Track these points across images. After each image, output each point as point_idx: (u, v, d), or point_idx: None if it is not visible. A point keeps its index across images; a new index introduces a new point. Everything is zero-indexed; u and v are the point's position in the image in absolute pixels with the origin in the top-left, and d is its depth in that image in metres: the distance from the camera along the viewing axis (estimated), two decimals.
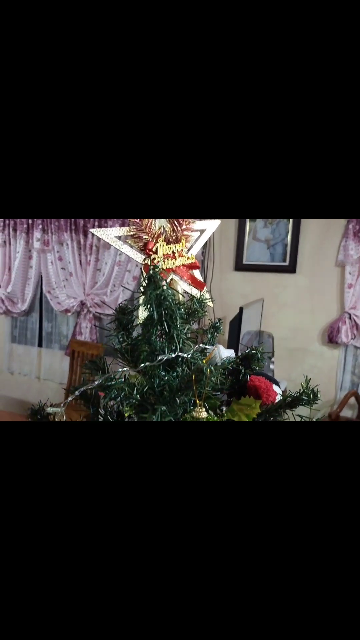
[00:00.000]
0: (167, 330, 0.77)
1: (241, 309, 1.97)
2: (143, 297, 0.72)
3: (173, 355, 0.81)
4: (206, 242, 3.12)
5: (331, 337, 2.94)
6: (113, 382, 0.74)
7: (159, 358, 0.79)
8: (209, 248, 3.18)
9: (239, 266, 3.15)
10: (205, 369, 0.67)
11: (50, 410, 0.76)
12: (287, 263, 3.03)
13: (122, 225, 1.22)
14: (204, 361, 0.69)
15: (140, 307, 0.75)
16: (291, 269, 3.02)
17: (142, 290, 0.71)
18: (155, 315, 0.70)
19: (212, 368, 0.69)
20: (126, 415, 0.76)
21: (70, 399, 0.76)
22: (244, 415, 0.82)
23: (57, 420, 0.75)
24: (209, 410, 0.71)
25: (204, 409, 0.65)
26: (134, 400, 0.77)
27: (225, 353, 0.96)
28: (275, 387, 0.94)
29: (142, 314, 0.80)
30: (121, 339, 0.78)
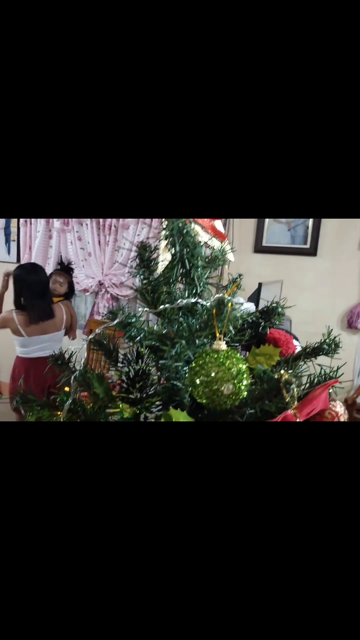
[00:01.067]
0: (187, 270, 0.76)
1: (260, 284, 1.95)
2: (164, 231, 0.71)
3: (192, 300, 0.80)
4: (225, 223, 3.09)
5: (350, 323, 2.89)
6: (133, 320, 0.73)
7: (179, 301, 0.79)
8: (228, 229, 3.15)
9: (259, 248, 3.12)
10: (226, 301, 0.65)
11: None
12: (308, 246, 2.98)
13: None
14: (226, 294, 0.68)
15: (161, 245, 0.74)
16: (312, 251, 2.97)
17: (165, 225, 0.70)
18: (177, 250, 0.69)
19: (234, 301, 0.67)
20: (144, 355, 0.75)
21: (91, 337, 0.76)
22: (264, 362, 0.80)
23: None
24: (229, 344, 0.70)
25: (224, 342, 0.64)
26: (152, 341, 0.77)
27: (245, 305, 0.95)
28: (294, 342, 0.93)
29: (162, 255, 0.79)
30: (142, 277, 0.77)
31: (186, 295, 0.79)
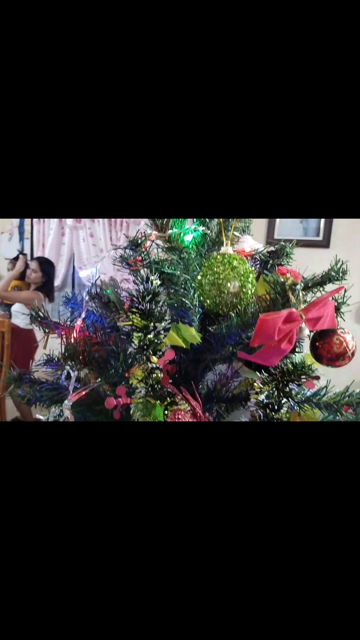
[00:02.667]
0: None
1: None
2: None
3: (200, 228, 0.81)
4: None
5: None
6: (143, 239, 0.74)
7: (187, 227, 0.79)
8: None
9: (270, 240, 3.12)
10: (229, 224, 0.66)
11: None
12: (320, 238, 2.98)
13: None
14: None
15: None
16: (325, 244, 2.96)
17: None
18: None
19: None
20: (155, 284, 0.76)
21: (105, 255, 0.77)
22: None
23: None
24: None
25: (231, 247, 0.64)
26: (161, 266, 0.77)
27: (255, 245, 0.95)
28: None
29: None
30: None
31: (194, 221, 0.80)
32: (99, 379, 0.79)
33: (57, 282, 3.80)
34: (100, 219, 3.50)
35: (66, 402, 0.80)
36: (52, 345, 1.17)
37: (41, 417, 0.91)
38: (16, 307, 3.12)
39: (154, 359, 0.70)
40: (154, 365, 0.71)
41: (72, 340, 0.75)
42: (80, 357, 0.75)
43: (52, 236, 3.73)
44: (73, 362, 0.74)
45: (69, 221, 3.61)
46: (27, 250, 3.88)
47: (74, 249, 3.71)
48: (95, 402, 0.90)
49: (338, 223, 2.93)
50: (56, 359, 1.06)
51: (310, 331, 0.68)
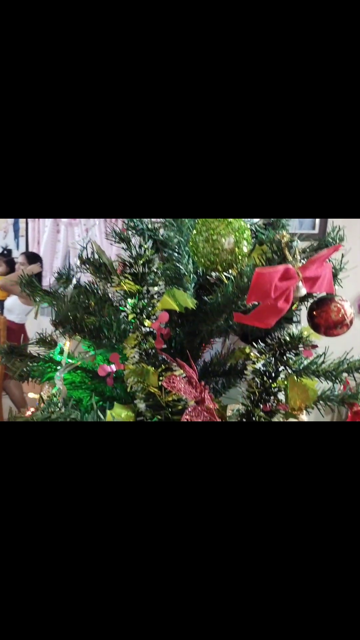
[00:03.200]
0: None
1: None
2: None
3: None
4: None
5: None
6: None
7: None
8: None
9: None
10: None
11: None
12: (316, 231, 2.97)
13: None
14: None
15: None
16: (321, 236, 2.96)
17: None
18: None
19: None
20: (148, 248, 0.74)
21: None
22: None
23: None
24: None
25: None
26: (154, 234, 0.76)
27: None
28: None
29: None
30: None
31: None
32: (91, 349, 0.77)
33: (53, 279, 3.78)
34: None
35: (58, 373, 0.78)
36: (44, 325, 1.15)
37: (34, 396, 0.89)
38: (9, 304, 3.14)
39: (148, 322, 0.68)
40: (148, 330, 0.69)
41: (64, 305, 0.73)
42: (72, 324, 0.73)
43: (47, 233, 3.72)
44: (64, 329, 0.72)
45: (64, 218, 3.59)
46: (22, 248, 3.87)
47: (69, 246, 3.70)
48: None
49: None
50: (48, 338, 1.04)
51: (307, 293, 0.67)
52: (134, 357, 0.68)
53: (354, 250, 2.90)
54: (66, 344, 0.87)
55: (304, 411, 0.95)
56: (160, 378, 0.68)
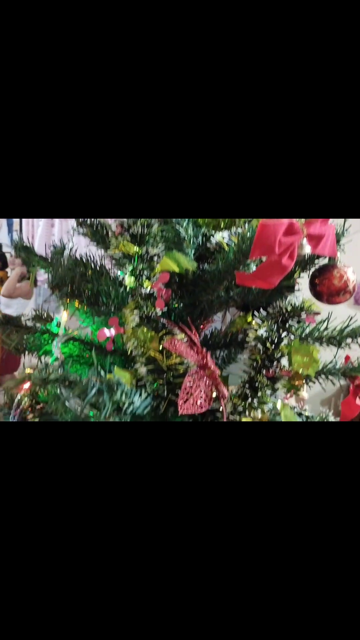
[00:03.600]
0: None
1: None
2: None
3: None
4: None
5: (357, 299, 2.85)
6: None
7: None
8: None
9: None
10: None
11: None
12: None
13: None
14: None
15: None
16: None
17: None
18: None
19: None
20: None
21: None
22: None
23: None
24: None
25: None
26: None
27: None
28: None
29: None
30: None
31: None
32: (87, 321, 0.75)
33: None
34: None
35: (55, 342, 0.76)
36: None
37: (30, 371, 0.87)
38: (5, 299, 3.11)
39: (147, 282, 0.66)
40: (148, 292, 0.68)
41: (60, 269, 0.71)
42: (69, 287, 0.71)
43: (41, 227, 3.69)
44: (61, 291, 0.70)
45: None
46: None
47: (64, 239, 3.67)
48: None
49: None
50: (44, 314, 1.02)
51: (310, 253, 0.65)
52: (134, 319, 0.66)
53: (353, 242, 2.90)
54: (63, 315, 0.85)
55: (305, 386, 0.94)
56: (161, 341, 0.67)
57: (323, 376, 0.95)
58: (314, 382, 0.97)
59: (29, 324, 0.96)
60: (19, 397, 0.93)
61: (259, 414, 0.74)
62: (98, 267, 0.79)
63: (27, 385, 0.80)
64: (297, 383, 0.81)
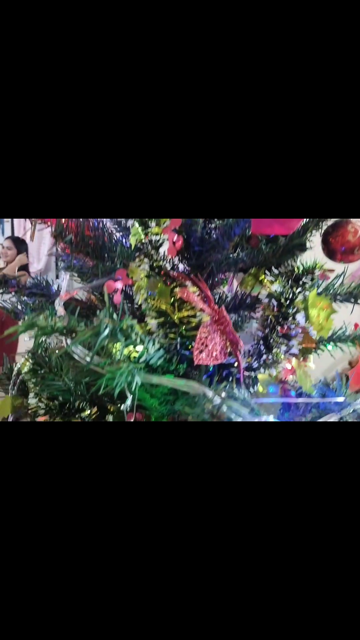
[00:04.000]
0: None
1: None
2: None
3: None
4: None
5: None
6: None
7: None
8: None
9: None
10: None
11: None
12: None
13: None
14: None
15: None
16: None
17: None
18: None
19: None
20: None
21: None
22: None
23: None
24: None
25: None
26: None
27: None
28: None
29: None
30: None
31: None
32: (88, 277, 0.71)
33: (40, 265, 3.70)
34: None
35: (58, 300, 0.72)
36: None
37: (28, 339, 0.83)
38: None
39: (157, 228, 0.62)
40: (157, 239, 0.64)
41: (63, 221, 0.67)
42: (72, 237, 0.67)
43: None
44: (64, 239, 0.66)
45: None
46: (7, 232, 3.78)
47: None
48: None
49: None
50: (44, 282, 0.98)
51: None
52: (144, 268, 0.63)
53: None
54: (65, 277, 0.81)
55: (312, 356, 0.91)
56: (172, 293, 0.63)
57: (332, 343, 0.92)
58: (323, 351, 0.94)
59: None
60: (18, 365, 0.89)
61: (273, 371, 0.70)
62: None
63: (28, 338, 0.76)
64: (310, 346, 0.78)
